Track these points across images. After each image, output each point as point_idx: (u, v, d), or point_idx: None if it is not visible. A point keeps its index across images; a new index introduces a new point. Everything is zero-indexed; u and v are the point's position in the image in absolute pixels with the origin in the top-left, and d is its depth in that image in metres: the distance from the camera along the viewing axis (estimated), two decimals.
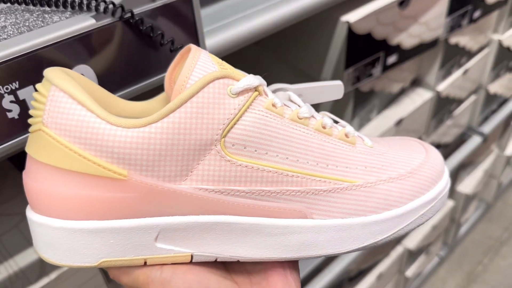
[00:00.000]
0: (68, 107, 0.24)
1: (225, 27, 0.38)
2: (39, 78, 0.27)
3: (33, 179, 0.26)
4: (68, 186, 0.25)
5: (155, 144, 0.24)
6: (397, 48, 0.61)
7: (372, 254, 0.96)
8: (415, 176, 0.29)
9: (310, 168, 0.27)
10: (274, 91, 0.32)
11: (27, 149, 0.26)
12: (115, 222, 0.25)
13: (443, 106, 0.84)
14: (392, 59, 0.62)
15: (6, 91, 0.26)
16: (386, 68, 0.62)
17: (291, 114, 0.28)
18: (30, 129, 0.26)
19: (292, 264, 0.30)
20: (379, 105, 0.71)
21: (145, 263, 0.27)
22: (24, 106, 0.27)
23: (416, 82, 0.77)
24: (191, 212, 0.26)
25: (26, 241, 0.43)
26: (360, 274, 0.99)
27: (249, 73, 0.28)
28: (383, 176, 0.29)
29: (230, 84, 0.26)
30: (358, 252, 0.91)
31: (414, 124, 0.76)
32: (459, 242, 1.37)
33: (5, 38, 0.27)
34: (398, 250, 1.05)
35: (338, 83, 0.34)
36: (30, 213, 0.26)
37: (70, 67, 0.28)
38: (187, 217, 0.26)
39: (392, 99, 0.74)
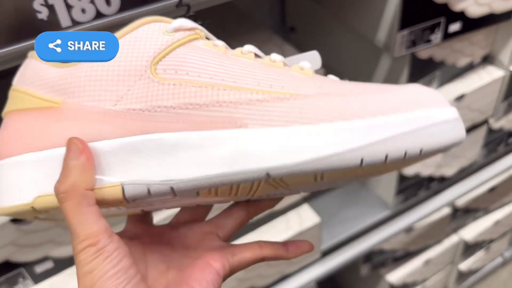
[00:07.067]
0: (33, 63, 0.27)
1: None
2: None
3: None
4: (10, 125, 0.27)
5: (86, 71, 0.26)
6: (460, 15, 0.57)
7: (422, 237, 0.93)
8: (386, 93, 0.27)
9: (248, 86, 0.27)
10: None
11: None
12: (50, 151, 0.26)
13: None
14: (454, 26, 0.58)
15: None
16: (447, 36, 0.59)
17: (235, 51, 0.28)
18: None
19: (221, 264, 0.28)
20: (441, 78, 0.68)
21: None
22: (52, 10, 0.31)
23: (488, 59, 0.72)
24: (121, 135, 0.26)
25: None
26: (407, 255, 0.96)
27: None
28: (343, 91, 0.27)
29: (165, 27, 0.27)
30: (401, 231, 0.82)
31: (478, 103, 0.71)
32: None
33: None
34: (452, 239, 1.01)
35: (313, 52, 0.33)
36: None
37: None
38: (114, 140, 0.26)
39: (457, 74, 0.70)
